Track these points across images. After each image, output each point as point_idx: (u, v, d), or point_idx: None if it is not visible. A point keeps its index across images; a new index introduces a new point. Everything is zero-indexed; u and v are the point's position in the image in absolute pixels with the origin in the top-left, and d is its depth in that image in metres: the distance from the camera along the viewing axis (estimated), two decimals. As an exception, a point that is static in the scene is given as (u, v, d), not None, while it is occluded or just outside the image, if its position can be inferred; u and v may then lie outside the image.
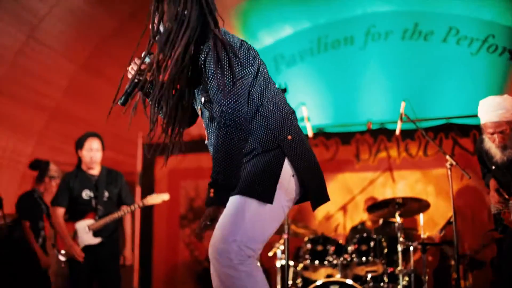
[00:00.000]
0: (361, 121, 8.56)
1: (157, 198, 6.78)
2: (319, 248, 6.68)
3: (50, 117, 9.10)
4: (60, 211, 6.36)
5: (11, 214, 7.03)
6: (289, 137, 2.91)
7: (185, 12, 2.96)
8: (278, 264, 6.82)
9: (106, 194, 6.45)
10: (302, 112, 6.68)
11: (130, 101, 3.15)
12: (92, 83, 9.25)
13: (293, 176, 2.91)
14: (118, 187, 6.55)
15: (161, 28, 3.03)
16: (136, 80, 3.08)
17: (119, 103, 3.17)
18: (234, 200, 2.87)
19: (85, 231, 6.28)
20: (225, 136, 2.76)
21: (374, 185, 8.50)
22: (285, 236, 6.22)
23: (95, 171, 6.50)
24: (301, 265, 6.75)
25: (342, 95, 9.42)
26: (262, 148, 2.90)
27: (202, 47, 2.95)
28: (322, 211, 8.59)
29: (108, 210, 6.41)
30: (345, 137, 8.72)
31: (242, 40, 3.00)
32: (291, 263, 6.82)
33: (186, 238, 9.07)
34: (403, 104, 6.30)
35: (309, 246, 6.72)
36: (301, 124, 6.51)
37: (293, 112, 3.09)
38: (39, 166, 7.27)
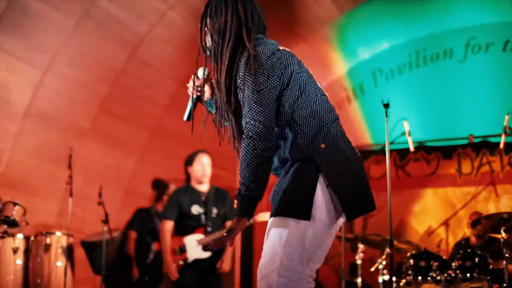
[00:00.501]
0: (463, 134, 8.38)
1: (266, 215, 6.81)
2: (422, 263, 6.54)
3: (152, 134, 9.31)
4: (169, 224, 6.48)
5: (116, 229, 7.24)
6: (323, 145, 2.79)
7: (227, 25, 2.97)
8: (380, 279, 6.73)
9: (215, 210, 6.56)
10: (404, 126, 6.60)
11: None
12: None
13: (327, 187, 2.78)
14: (225, 206, 6.65)
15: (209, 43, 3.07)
16: (195, 96, 3.14)
17: (184, 119, 3.22)
18: (272, 223, 2.82)
19: (195, 245, 6.38)
20: (248, 147, 2.75)
21: (477, 199, 8.29)
22: (388, 251, 6.13)
23: (204, 187, 6.61)
24: (403, 281, 6.63)
25: (442, 109, 9.24)
26: (292, 159, 2.84)
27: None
28: (423, 225, 8.45)
29: (216, 226, 6.51)
30: (447, 151, 8.56)
31: (275, 50, 2.94)
32: (393, 278, 6.72)
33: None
34: (507, 117, 6.14)
35: (411, 261, 6.59)
36: (402, 139, 6.46)
37: (335, 120, 2.95)
38: (159, 186, 7.53)
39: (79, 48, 7.87)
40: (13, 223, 6.29)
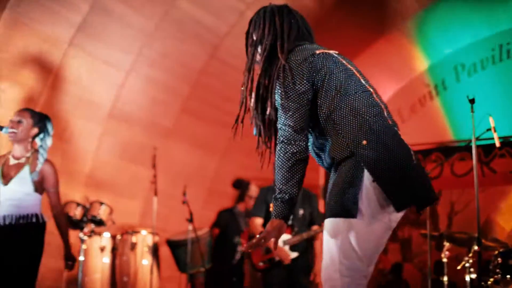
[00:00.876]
0: (551, 129, 8.12)
1: None
2: (511, 262, 6.37)
3: (233, 133, 9.34)
4: (258, 220, 6.50)
5: (200, 228, 7.30)
6: (364, 142, 2.83)
7: (263, 38, 3.19)
8: (467, 278, 6.58)
9: (301, 211, 6.54)
10: (489, 122, 6.45)
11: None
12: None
13: (373, 181, 2.79)
14: (311, 207, 6.63)
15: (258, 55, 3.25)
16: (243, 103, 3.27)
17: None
18: (326, 226, 2.88)
19: (282, 246, 6.37)
20: (279, 152, 2.89)
21: None
22: (476, 248, 5.99)
23: None
24: (491, 280, 6.46)
25: (529, 103, 8.99)
26: (337, 158, 2.90)
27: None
28: (510, 223, 8.22)
29: (302, 227, 6.50)
30: (534, 147, 8.32)
31: (308, 56, 3.02)
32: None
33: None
34: None
35: (499, 259, 6.42)
36: (487, 135, 6.30)
37: (378, 114, 2.96)
38: (241, 186, 7.58)
39: (160, 49, 7.98)
40: (100, 222, 6.44)
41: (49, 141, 4.93)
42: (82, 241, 6.29)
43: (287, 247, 6.36)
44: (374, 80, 3.53)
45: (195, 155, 9.06)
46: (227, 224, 7.68)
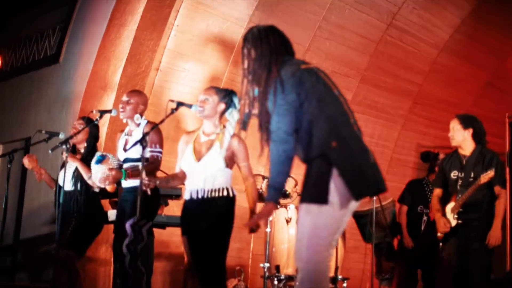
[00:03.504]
0: None
1: None
2: None
3: (413, 102, 9.25)
4: (437, 191, 6.31)
5: (384, 198, 7.28)
6: (334, 143, 3.43)
7: (263, 55, 3.64)
8: None
9: (472, 174, 6.20)
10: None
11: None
12: (452, 66, 9.21)
13: (339, 176, 3.39)
14: (485, 168, 6.22)
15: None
16: (248, 111, 3.73)
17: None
18: (301, 209, 3.45)
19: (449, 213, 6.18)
20: (273, 149, 3.46)
21: None
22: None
23: (467, 151, 6.25)
24: None
25: None
26: (313, 156, 3.46)
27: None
28: None
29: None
30: None
31: (296, 70, 3.55)
32: None
33: None
34: None
35: None
36: None
37: (346, 121, 3.55)
38: (428, 158, 7.54)
39: (337, 21, 8.01)
40: (285, 195, 6.60)
41: (236, 116, 5.08)
42: (268, 212, 6.48)
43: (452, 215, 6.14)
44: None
45: (375, 125, 9.04)
46: (415, 194, 7.61)
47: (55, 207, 5.80)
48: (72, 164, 5.71)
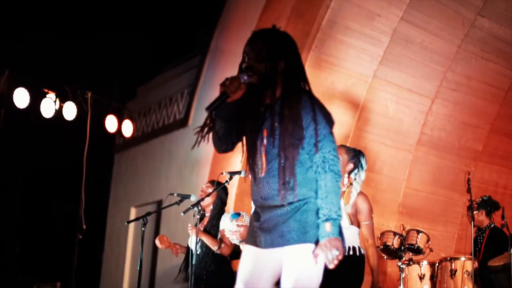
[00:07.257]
0: None
1: None
2: None
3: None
4: None
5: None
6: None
7: (291, 65, 3.28)
8: None
9: None
10: None
11: None
12: None
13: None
14: None
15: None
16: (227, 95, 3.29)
17: (205, 108, 3.34)
18: (304, 249, 3.16)
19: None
20: (332, 179, 3.13)
21: None
22: None
23: None
24: None
25: None
26: (315, 197, 3.19)
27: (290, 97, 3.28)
28: None
29: None
30: None
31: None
32: None
33: None
34: None
35: None
36: None
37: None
38: None
39: (463, 71, 7.88)
40: (417, 250, 6.45)
41: (363, 175, 5.05)
42: (401, 269, 6.34)
43: None
44: None
45: (509, 177, 8.74)
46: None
47: (186, 269, 5.89)
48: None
